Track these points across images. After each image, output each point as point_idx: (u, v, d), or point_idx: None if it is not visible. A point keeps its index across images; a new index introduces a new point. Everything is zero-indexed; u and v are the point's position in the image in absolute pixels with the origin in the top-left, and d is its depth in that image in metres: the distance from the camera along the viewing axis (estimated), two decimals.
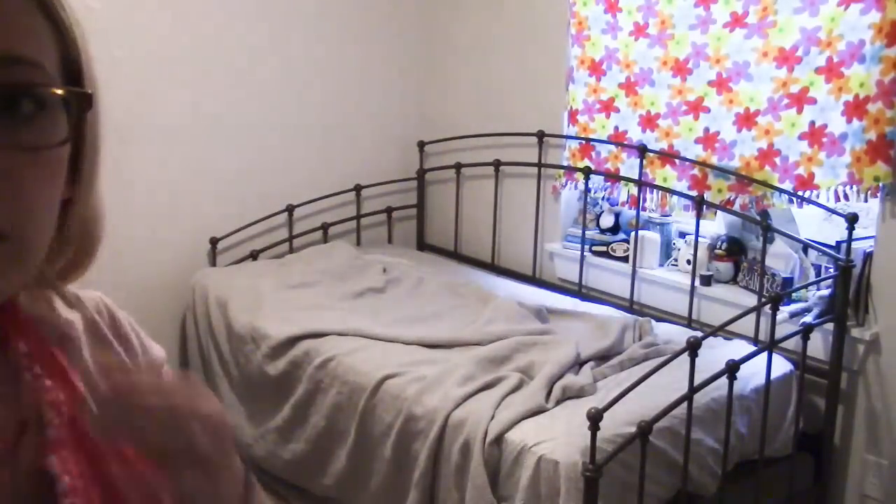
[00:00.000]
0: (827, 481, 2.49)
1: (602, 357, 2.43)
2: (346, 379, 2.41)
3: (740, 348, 2.36)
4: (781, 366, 2.38)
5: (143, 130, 3.18)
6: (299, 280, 3.10)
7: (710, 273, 2.78)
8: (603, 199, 3.23)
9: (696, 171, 2.75)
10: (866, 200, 2.36)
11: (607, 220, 3.17)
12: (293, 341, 2.61)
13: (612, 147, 3.01)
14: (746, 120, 2.58)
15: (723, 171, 2.66)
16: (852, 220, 2.35)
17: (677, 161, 2.80)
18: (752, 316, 2.48)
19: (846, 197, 2.38)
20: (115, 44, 3.08)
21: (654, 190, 2.89)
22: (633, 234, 2.97)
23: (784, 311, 2.43)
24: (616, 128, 2.99)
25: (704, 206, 2.74)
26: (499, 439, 2.02)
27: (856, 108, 2.30)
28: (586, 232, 3.15)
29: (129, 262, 3.21)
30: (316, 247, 3.55)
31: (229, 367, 2.91)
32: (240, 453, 0.63)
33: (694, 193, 2.75)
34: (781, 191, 2.51)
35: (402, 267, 3.31)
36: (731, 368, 2.07)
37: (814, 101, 2.41)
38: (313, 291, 3.02)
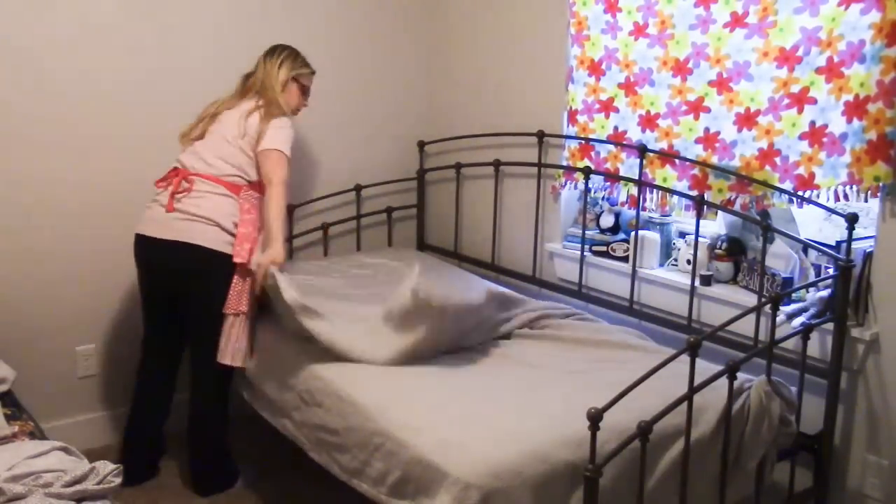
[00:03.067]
0: (827, 481, 2.49)
1: None
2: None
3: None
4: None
5: (143, 131, 3.18)
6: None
7: (710, 273, 2.78)
8: (603, 199, 3.23)
9: (696, 171, 2.75)
10: (866, 200, 2.36)
11: (607, 220, 3.17)
12: None
13: (612, 147, 3.01)
14: (747, 120, 2.58)
15: (723, 171, 2.66)
16: (852, 220, 2.35)
17: (677, 161, 2.80)
18: (752, 316, 2.48)
19: (846, 197, 2.38)
20: (114, 43, 3.09)
21: (654, 190, 2.89)
22: (633, 234, 2.97)
23: (781, 312, 2.42)
24: (616, 128, 2.99)
25: (704, 206, 2.74)
26: None
27: (856, 108, 2.30)
28: (586, 232, 3.15)
29: (131, 262, 3.22)
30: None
31: None
32: None
33: (694, 193, 2.75)
34: (781, 191, 2.51)
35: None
36: (731, 368, 2.07)
37: (814, 101, 2.41)
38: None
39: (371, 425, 2.18)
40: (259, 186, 2.88)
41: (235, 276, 2.76)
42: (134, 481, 2.93)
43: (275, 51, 3.06)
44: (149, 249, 2.79)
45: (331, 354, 2.53)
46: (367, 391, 2.31)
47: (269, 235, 2.74)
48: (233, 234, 2.77)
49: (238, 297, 2.75)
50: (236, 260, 2.73)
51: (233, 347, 2.75)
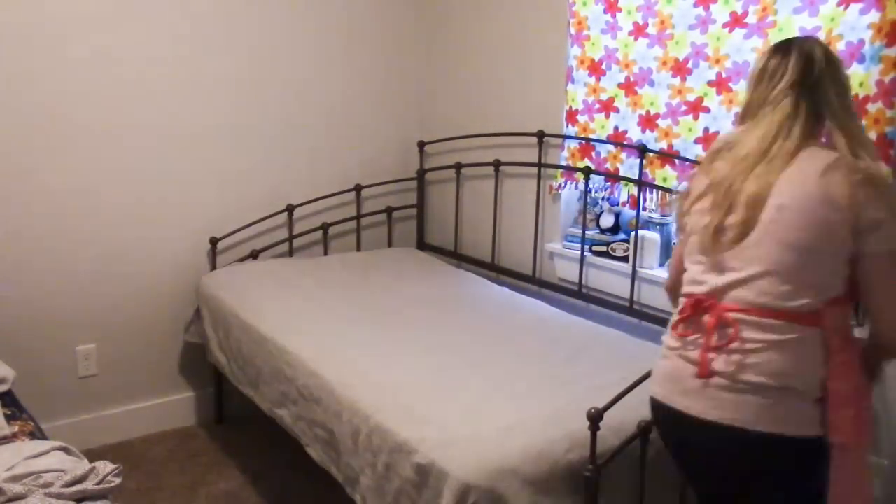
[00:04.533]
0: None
1: None
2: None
3: None
4: None
5: (143, 131, 3.19)
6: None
7: None
8: (603, 199, 3.23)
9: None
10: None
11: (607, 220, 3.17)
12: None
13: (612, 147, 3.01)
14: None
15: None
16: None
17: (677, 161, 2.80)
18: None
19: None
20: (115, 44, 3.09)
21: (654, 190, 2.89)
22: (633, 234, 2.98)
23: None
24: (616, 128, 2.99)
25: None
26: None
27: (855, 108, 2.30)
28: (586, 232, 3.15)
29: (131, 262, 3.22)
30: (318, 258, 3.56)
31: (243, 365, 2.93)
32: None
33: None
34: None
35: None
36: None
37: None
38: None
39: (365, 427, 2.16)
40: (843, 302, 1.69)
41: (836, 464, 1.67)
42: None
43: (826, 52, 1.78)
44: (677, 428, 1.77)
45: (325, 350, 2.55)
46: (362, 389, 2.29)
47: None
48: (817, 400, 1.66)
49: (846, 496, 1.69)
50: (834, 440, 1.65)
51: None
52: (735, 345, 1.65)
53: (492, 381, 2.33)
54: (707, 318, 1.69)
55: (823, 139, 1.73)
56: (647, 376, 1.93)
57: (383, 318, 2.87)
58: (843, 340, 1.66)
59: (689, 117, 2.74)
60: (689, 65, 2.71)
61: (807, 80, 1.72)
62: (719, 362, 1.66)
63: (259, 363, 2.76)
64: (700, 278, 1.74)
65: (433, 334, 2.71)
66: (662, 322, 2.88)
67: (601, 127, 3.04)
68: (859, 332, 2.38)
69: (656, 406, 1.79)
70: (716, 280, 1.71)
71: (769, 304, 1.64)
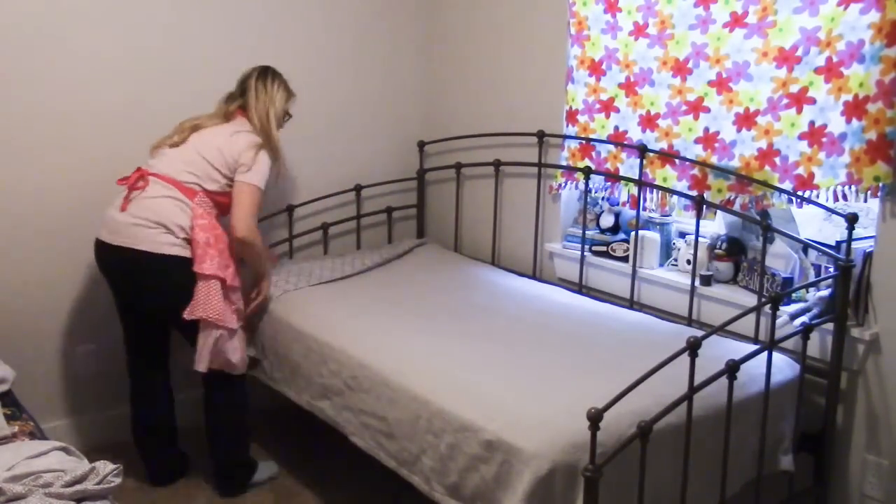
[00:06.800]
0: (827, 481, 2.49)
1: None
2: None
3: (741, 348, 2.36)
4: (789, 370, 2.41)
5: (143, 131, 3.18)
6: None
7: (710, 273, 2.78)
8: (603, 199, 3.23)
9: (696, 171, 2.75)
10: (866, 200, 2.36)
11: (607, 220, 3.17)
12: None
13: (612, 147, 3.01)
14: (746, 120, 2.58)
15: (723, 171, 2.67)
16: (852, 220, 2.35)
17: (677, 161, 2.80)
18: (752, 316, 2.48)
19: (845, 197, 2.38)
20: (112, 41, 3.09)
21: (654, 190, 2.89)
22: (633, 234, 2.98)
23: (783, 313, 2.43)
24: (616, 128, 2.99)
25: (704, 206, 2.74)
26: None
27: (855, 108, 2.30)
28: (586, 232, 3.15)
29: None
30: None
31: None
32: None
33: (694, 193, 2.75)
34: (781, 191, 2.51)
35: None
36: (731, 368, 2.07)
37: (813, 101, 2.41)
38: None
39: (426, 411, 2.21)
40: (214, 198, 2.79)
41: (200, 283, 2.65)
42: (159, 481, 2.97)
43: (267, 75, 2.97)
44: (104, 254, 2.75)
45: (369, 341, 2.60)
46: (416, 376, 2.34)
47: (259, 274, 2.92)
48: (182, 238, 2.68)
49: (205, 302, 2.64)
50: (204, 271, 2.63)
51: (210, 354, 2.70)
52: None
53: (541, 366, 2.36)
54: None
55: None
56: (646, 376, 1.93)
57: (418, 308, 2.88)
58: (203, 212, 2.71)
59: (690, 117, 2.74)
60: (690, 65, 2.71)
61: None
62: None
63: (297, 359, 2.78)
64: None
65: (471, 323, 2.73)
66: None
67: (601, 127, 3.04)
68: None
69: None
70: None
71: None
